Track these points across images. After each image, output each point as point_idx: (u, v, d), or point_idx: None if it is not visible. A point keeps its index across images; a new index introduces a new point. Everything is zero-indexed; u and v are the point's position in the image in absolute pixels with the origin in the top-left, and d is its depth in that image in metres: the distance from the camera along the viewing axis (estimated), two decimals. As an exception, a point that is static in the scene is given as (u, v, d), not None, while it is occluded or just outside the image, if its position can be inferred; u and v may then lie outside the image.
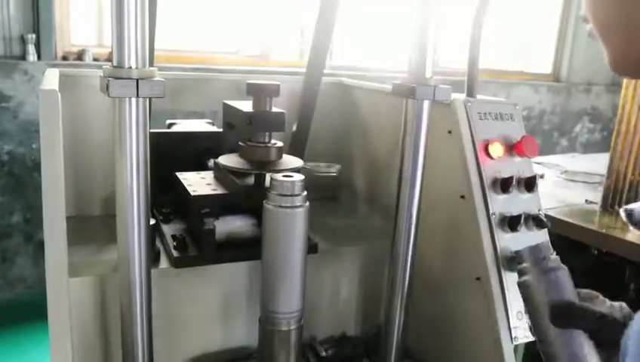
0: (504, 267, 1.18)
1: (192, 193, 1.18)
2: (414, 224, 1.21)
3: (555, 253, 0.96)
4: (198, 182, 1.25)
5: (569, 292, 0.93)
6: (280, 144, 1.19)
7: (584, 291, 0.96)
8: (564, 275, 0.94)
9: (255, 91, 1.15)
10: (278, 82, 1.17)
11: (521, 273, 0.97)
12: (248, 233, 1.22)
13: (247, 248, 1.19)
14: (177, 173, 1.30)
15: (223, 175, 1.25)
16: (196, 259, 1.19)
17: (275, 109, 1.18)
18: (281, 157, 1.19)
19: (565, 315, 0.91)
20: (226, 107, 1.28)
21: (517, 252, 1.01)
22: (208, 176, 1.30)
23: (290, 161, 1.20)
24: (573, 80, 5.39)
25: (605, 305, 0.92)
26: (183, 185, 1.23)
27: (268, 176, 1.16)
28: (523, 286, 0.97)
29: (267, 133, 1.17)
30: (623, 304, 0.92)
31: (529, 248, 0.97)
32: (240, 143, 1.18)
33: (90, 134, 1.43)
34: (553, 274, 0.93)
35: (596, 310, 0.90)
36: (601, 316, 0.89)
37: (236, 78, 1.23)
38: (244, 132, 1.17)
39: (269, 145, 1.17)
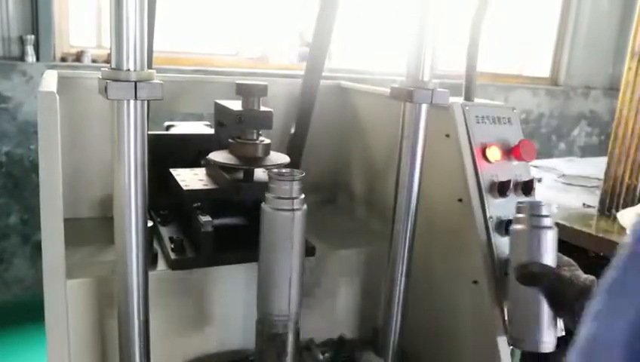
0: (501, 270, 1.18)
1: (185, 187, 1.20)
2: (412, 227, 1.21)
3: (551, 215, 1.08)
4: (190, 178, 1.28)
5: (549, 252, 1.05)
6: (267, 141, 1.22)
7: (565, 259, 1.08)
8: (551, 237, 1.06)
9: (244, 91, 1.19)
10: (266, 83, 1.20)
11: (514, 221, 1.09)
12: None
13: (245, 250, 1.19)
14: (171, 170, 1.32)
15: (214, 171, 1.27)
16: (194, 261, 1.19)
17: (263, 108, 1.20)
18: (268, 153, 1.22)
19: (528, 275, 1.04)
20: (218, 106, 1.32)
21: (519, 203, 1.11)
22: (201, 172, 1.33)
23: (278, 157, 1.23)
24: (572, 83, 5.40)
25: (574, 273, 1.04)
26: (176, 181, 1.25)
27: (257, 172, 1.20)
28: (512, 234, 1.10)
29: (256, 131, 1.21)
30: (592, 277, 1.02)
31: (530, 202, 1.09)
32: (230, 140, 1.21)
33: (89, 136, 1.43)
34: (543, 232, 1.05)
35: (558, 272, 1.02)
36: (559, 278, 1.02)
37: (235, 80, 1.24)
38: (234, 130, 1.21)
39: (257, 142, 1.21)
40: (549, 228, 1.06)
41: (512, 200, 1.24)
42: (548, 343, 1.06)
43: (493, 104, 1.35)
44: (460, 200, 1.25)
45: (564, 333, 1.24)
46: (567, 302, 1.01)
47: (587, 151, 5.53)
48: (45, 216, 0.92)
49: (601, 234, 1.92)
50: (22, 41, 3.24)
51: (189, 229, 1.27)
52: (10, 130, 3.22)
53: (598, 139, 5.68)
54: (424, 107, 1.16)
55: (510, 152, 1.27)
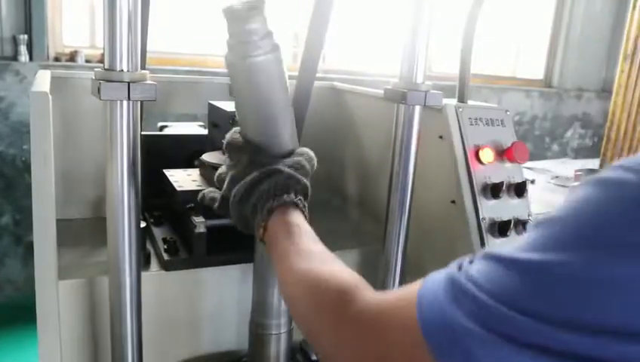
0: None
1: (178, 188, 1.20)
2: (405, 228, 1.21)
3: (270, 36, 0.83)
4: (184, 179, 1.28)
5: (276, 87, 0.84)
6: None
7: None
8: (271, 63, 0.82)
9: None
10: None
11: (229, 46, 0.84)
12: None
13: (238, 251, 1.19)
14: (165, 170, 1.32)
15: (207, 172, 1.27)
16: (187, 262, 1.19)
17: None
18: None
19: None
20: (211, 107, 1.32)
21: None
22: (194, 173, 1.33)
23: None
24: (565, 86, 5.43)
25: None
26: (170, 181, 1.25)
27: None
28: (227, 63, 0.85)
29: None
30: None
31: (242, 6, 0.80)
32: (223, 141, 1.21)
33: (82, 136, 1.42)
34: (262, 58, 0.82)
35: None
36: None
37: (228, 80, 1.24)
38: (227, 130, 1.20)
39: None
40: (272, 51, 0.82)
41: (505, 201, 1.25)
42: None
43: (487, 106, 1.36)
44: (453, 201, 1.25)
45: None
46: None
47: (580, 153, 5.56)
48: (37, 216, 0.91)
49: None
50: (15, 41, 3.22)
51: (183, 230, 1.27)
52: (2, 130, 3.21)
53: (591, 141, 5.71)
54: (417, 109, 1.16)
55: (503, 154, 1.27)
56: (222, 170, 0.95)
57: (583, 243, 0.46)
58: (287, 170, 0.88)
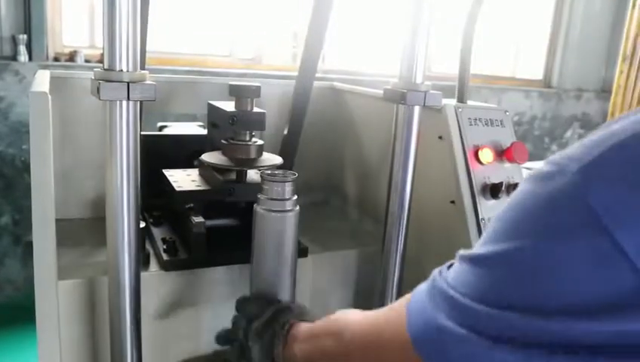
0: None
1: (177, 188, 1.20)
2: (404, 229, 1.21)
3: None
4: (183, 179, 1.28)
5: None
6: (260, 142, 1.22)
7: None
8: (289, 220, 1.03)
9: (237, 92, 1.19)
10: (259, 84, 1.20)
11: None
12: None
13: (237, 251, 1.19)
14: (164, 170, 1.31)
15: (207, 172, 1.27)
16: (186, 262, 1.19)
17: (256, 109, 1.20)
18: (261, 154, 1.22)
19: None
20: (211, 107, 1.32)
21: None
22: (194, 173, 1.33)
23: (270, 158, 1.23)
24: (564, 86, 5.43)
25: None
26: (169, 181, 1.25)
27: (249, 173, 1.21)
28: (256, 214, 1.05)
29: (248, 132, 1.21)
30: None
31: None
32: (223, 141, 1.21)
33: (81, 136, 1.42)
34: (282, 214, 1.03)
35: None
36: None
37: (228, 80, 1.24)
38: (227, 131, 1.21)
39: (250, 143, 1.20)
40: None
41: (505, 202, 1.25)
42: None
43: (486, 106, 1.36)
44: (453, 201, 1.25)
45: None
46: None
47: (579, 154, 5.54)
48: (37, 216, 0.91)
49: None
50: (14, 41, 3.22)
51: (182, 230, 1.27)
52: (2, 130, 3.20)
53: (591, 141, 5.69)
54: (417, 109, 1.16)
55: (502, 154, 1.28)
56: (229, 329, 1.10)
57: (519, 233, 0.51)
58: (297, 308, 1.03)
